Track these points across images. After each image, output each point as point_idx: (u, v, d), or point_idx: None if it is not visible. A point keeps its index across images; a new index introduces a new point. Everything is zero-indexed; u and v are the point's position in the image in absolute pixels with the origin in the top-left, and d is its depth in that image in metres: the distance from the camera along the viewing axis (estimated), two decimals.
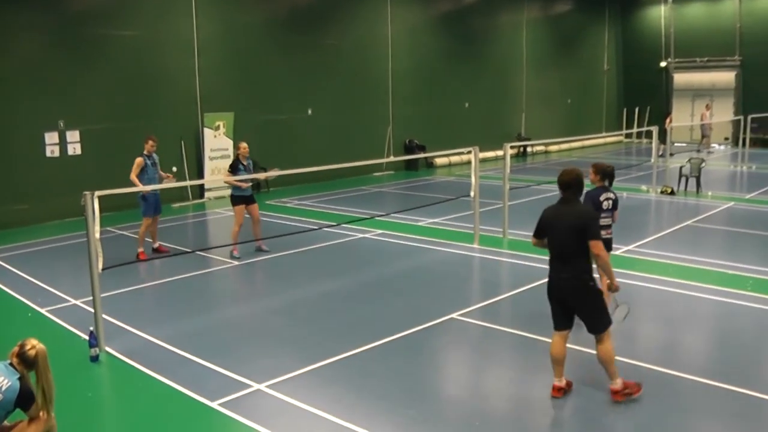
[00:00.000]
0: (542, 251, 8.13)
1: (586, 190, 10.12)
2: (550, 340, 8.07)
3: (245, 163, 14.45)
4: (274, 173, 14.68)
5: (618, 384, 7.69)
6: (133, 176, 14.18)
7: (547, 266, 7.90)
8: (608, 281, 7.81)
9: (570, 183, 7.74)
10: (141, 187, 13.65)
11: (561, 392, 7.83)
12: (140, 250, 14.51)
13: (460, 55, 32.30)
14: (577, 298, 7.64)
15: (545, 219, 7.85)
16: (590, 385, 8.09)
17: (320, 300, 11.65)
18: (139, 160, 14.30)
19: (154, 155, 14.60)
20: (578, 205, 7.82)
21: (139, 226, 14.74)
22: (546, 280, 7.93)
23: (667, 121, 33.88)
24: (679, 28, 41.05)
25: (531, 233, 8.11)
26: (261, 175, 14.49)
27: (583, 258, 7.55)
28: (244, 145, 14.46)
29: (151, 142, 14.51)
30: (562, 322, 7.84)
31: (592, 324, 7.65)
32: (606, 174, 10.00)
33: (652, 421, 7.20)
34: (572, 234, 7.53)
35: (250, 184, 14.67)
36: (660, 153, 24.26)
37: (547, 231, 7.80)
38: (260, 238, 14.77)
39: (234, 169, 14.41)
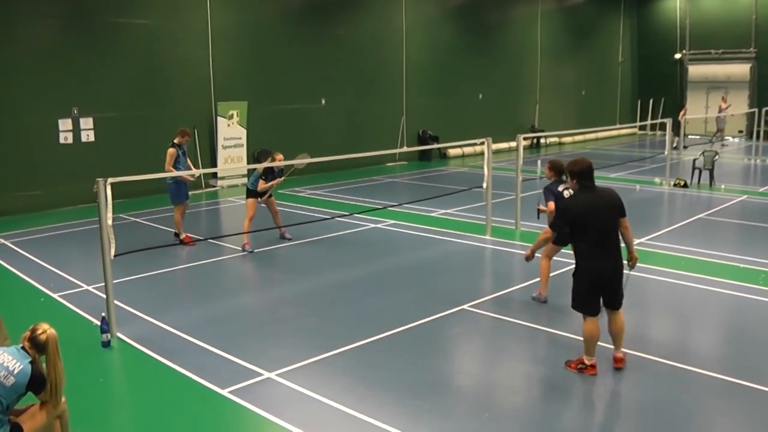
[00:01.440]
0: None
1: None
2: (560, 333, 8.19)
3: (276, 170, 14.49)
4: (301, 161, 14.73)
5: (622, 353, 8.17)
6: (168, 167, 14.30)
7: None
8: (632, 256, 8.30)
9: (590, 170, 8.00)
10: (174, 173, 13.80)
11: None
12: (183, 235, 14.73)
13: (475, 46, 32.22)
14: (620, 277, 7.97)
15: (579, 210, 7.88)
16: (597, 378, 8.09)
17: (332, 290, 11.66)
18: (171, 150, 14.43)
19: (184, 145, 14.77)
20: (601, 190, 8.07)
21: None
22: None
23: (681, 113, 33.73)
24: (694, 19, 40.83)
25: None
26: (292, 162, 14.45)
27: (618, 238, 7.99)
28: (281, 156, 14.22)
29: (187, 138, 14.82)
30: (599, 308, 8.04)
31: (619, 298, 8.04)
32: (561, 170, 10.48)
33: (664, 415, 7.18)
34: (613, 215, 7.90)
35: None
36: (674, 145, 24.15)
37: (583, 223, 7.81)
38: (282, 226, 14.90)
39: (267, 175, 14.35)
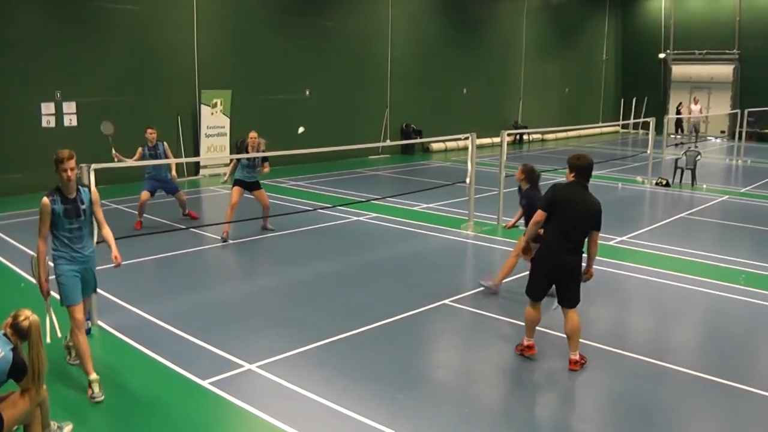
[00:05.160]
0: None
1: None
2: (539, 328, 8.33)
3: (250, 151, 14.06)
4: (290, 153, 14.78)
5: (578, 355, 8.25)
6: (129, 161, 14.31)
7: None
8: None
9: (588, 169, 8.23)
10: (126, 162, 13.85)
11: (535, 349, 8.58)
12: (138, 219, 14.84)
13: (460, 40, 32.23)
14: (573, 272, 8.15)
15: (559, 196, 8.12)
16: (577, 374, 8.13)
17: (313, 282, 11.64)
18: (139, 149, 14.76)
19: (159, 145, 14.86)
20: (591, 194, 8.22)
21: (137, 200, 14.93)
22: None
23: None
24: (679, 19, 41.06)
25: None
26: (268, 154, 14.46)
27: (584, 240, 8.14)
28: (253, 135, 14.03)
29: (149, 133, 14.77)
30: (542, 295, 8.40)
31: (575, 298, 8.21)
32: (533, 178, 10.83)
33: (641, 411, 7.23)
34: (588, 220, 8.04)
35: (255, 169, 14.41)
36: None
37: (559, 208, 8.07)
38: (266, 216, 14.83)
39: (239, 152, 14.24)
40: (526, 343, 8.55)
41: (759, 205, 19.15)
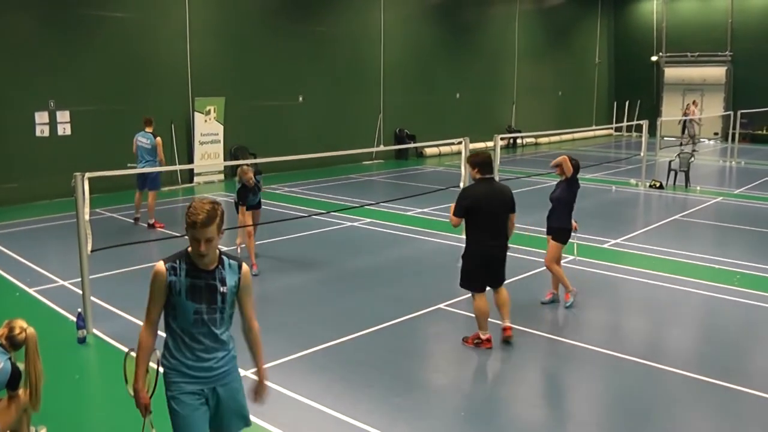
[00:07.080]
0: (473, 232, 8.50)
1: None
2: (535, 331, 8.31)
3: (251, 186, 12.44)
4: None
5: (509, 322, 8.92)
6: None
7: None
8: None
9: (490, 161, 8.80)
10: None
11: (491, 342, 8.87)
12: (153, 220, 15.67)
13: (453, 45, 32.29)
14: (503, 262, 8.85)
15: (476, 199, 8.56)
16: (572, 375, 8.15)
17: (309, 287, 11.65)
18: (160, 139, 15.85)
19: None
20: (499, 184, 8.99)
21: (132, 208, 15.10)
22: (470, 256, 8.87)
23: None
24: (671, 22, 41.16)
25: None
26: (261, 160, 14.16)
27: (506, 228, 8.77)
28: (249, 175, 12.25)
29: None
30: (484, 283, 8.84)
31: (503, 277, 8.97)
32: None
33: (637, 414, 7.24)
34: (506, 209, 8.69)
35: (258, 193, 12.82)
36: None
37: (479, 209, 8.53)
38: (254, 256, 12.77)
39: (242, 199, 12.40)
40: (483, 336, 8.81)
41: (753, 206, 19.20)
